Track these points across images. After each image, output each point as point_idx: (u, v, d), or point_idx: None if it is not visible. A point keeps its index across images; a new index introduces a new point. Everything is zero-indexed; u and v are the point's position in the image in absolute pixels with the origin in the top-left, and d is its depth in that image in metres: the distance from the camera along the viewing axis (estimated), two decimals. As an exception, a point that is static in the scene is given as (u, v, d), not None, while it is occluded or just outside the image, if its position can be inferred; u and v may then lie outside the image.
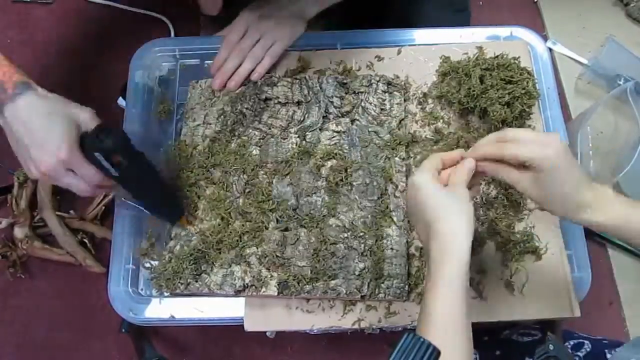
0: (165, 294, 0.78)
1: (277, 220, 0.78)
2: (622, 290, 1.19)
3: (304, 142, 0.83)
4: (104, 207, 1.22)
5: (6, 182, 1.25)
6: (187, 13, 1.32)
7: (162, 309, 0.78)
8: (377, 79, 0.86)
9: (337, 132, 0.84)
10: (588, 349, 0.80)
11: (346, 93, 0.86)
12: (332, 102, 0.85)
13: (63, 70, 1.42)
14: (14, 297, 1.21)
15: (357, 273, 0.74)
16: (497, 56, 0.84)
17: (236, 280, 0.75)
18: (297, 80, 0.87)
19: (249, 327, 0.76)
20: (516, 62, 0.83)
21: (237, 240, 0.77)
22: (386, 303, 0.76)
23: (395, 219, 0.78)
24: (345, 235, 0.77)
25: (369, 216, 0.78)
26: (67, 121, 0.62)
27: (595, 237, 1.22)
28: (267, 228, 0.78)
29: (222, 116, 0.86)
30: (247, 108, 0.86)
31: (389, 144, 0.82)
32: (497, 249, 0.78)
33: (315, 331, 0.76)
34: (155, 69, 0.93)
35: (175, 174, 0.81)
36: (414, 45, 0.92)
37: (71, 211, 1.22)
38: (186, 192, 0.81)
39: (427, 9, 1.03)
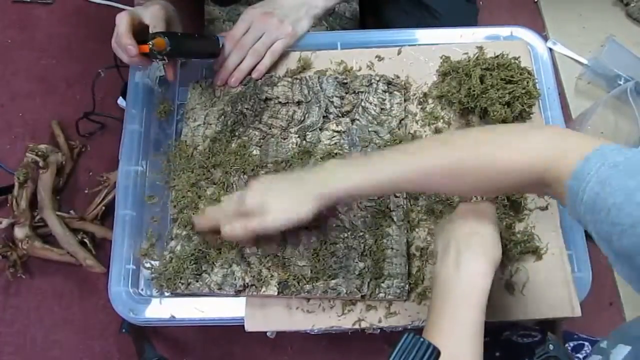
0: (166, 293, 0.78)
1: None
2: (622, 290, 1.19)
3: (304, 142, 0.83)
4: (104, 207, 1.22)
5: (6, 182, 1.25)
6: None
7: (163, 309, 0.78)
8: (378, 78, 0.86)
9: (337, 131, 0.84)
10: (588, 351, 0.80)
11: (346, 93, 0.86)
12: (332, 102, 0.85)
13: (63, 70, 1.42)
14: (14, 297, 1.21)
15: (357, 273, 0.74)
16: (497, 56, 0.84)
17: (236, 280, 0.75)
18: (297, 80, 0.87)
19: (249, 327, 0.76)
20: (516, 61, 0.83)
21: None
22: (386, 303, 0.76)
23: (395, 218, 0.78)
24: (345, 234, 0.77)
25: (369, 216, 0.78)
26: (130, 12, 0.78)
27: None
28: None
29: (222, 116, 0.86)
30: (247, 108, 0.86)
31: (389, 143, 0.82)
32: (497, 249, 0.78)
33: (315, 331, 0.76)
34: (155, 69, 0.93)
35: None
36: (414, 45, 0.92)
37: (71, 211, 1.22)
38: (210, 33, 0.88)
39: None
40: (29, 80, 1.41)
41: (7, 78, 1.41)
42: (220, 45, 0.87)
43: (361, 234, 0.76)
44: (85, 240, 1.19)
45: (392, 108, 0.85)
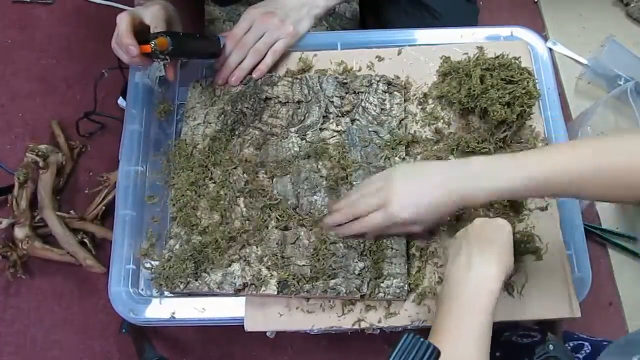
0: (166, 293, 0.78)
1: (277, 219, 0.78)
2: (622, 291, 1.19)
3: (304, 141, 0.83)
4: (104, 207, 1.22)
5: (6, 182, 1.25)
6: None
7: (163, 309, 0.78)
8: (378, 79, 0.86)
9: (337, 131, 0.84)
10: (588, 351, 0.80)
11: (346, 93, 0.86)
12: (332, 102, 0.86)
13: (63, 70, 1.42)
14: (14, 297, 1.21)
15: (356, 272, 0.74)
16: (497, 56, 0.84)
17: (236, 279, 0.75)
18: (298, 80, 0.87)
19: (249, 327, 0.76)
20: (517, 62, 0.83)
21: (237, 239, 0.77)
22: (386, 303, 0.76)
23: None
24: (345, 234, 0.77)
25: (369, 216, 0.78)
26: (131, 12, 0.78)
27: (596, 238, 1.23)
28: (267, 227, 0.78)
29: (222, 115, 0.86)
30: (247, 107, 0.86)
31: (388, 143, 0.82)
32: (497, 249, 0.78)
33: (315, 331, 0.76)
34: (156, 69, 0.93)
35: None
36: (415, 45, 0.92)
37: (71, 211, 1.22)
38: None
39: None
40: (29, 80, 1.41)
41: (7, 78, 1.41)
42: (222, 46, 0.87)
43: (361, 233, 0.77)
44: (85, 240, 1.19)
45: (392, 108, 0.85)
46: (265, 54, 0.88)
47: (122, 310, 0.78)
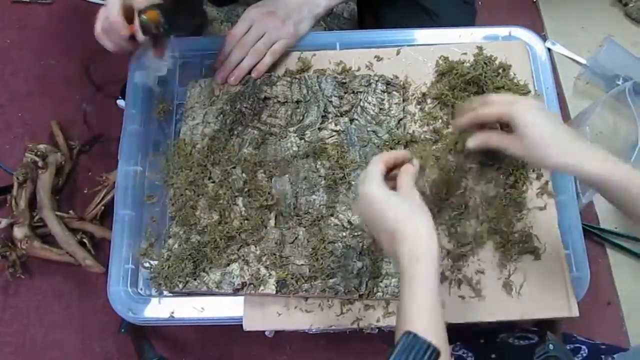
0: (165, 292, 0.78)
1: (276, 218, 0.78)
2: (620, 290, 1.19)
3: (302, 141, 0.83)
4: (103, 207, 1.22)
5: (6, 182, 1.25)
6: (186, 13, 1.32)
7: (162, 308, 0.78)
8: (376, 78, 0.86)
9: (336, 131, 0.84)
10: (585, 354, 0.79)
11: (345, 93, 0.87)
12: (331, 102, 0.86)
13: (63, 70, 1.42)
14: (14, 297, 1.21)
15: (355, 272, 0.74)
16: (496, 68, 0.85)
17: (235, 279, 0.75)
18: (297, 80, 0.88)
19: (248, 326, 0.76)
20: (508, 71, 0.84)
21: (236, 239, 0.78)
22: (384, 302, 0.76)
23: (394, 218, 0.78)
24: (344, 234, 0.77)
25: (368, 216, 0.78)
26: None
27: (594, 237, 1.23)
28: (265, 227, 0.78)
29: (221, 115, 0.87)
30: (246, 107, 0.86)
31: (387, 143, 0.83)
32: (495, 249, 0.78)
33: (313, 331, 0.76)
34: (155, 70, 0.92)
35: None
36: (413, 45, 0.92)
37: (71, 211, 1.22)
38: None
39: None
40: (29, 81, 1.41)
41: (6, 78, 1.41)
42: (207, 16, 0.85)
43: (359, 233, 0.77)
44: (85, 240, 1.19)
45: (391, 108, 0.85)
46: (265, 54, 0.88)
47: (122, 310, 0.78)
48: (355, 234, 0.77)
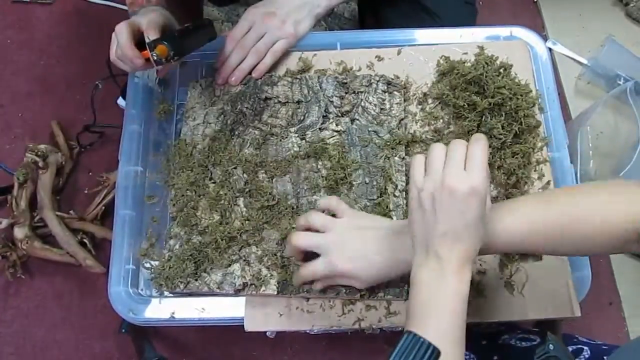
0: (166, 293, 0.78)
1: (277, 219, 0.78)
2: (622, 290, 1.19)
3: (303, 141, 0.83)
4: (103, 207, 1.22)
5: (6, 183, 1.25)
6: (187, 13, 1.32)
7: (162, 309, 0.78)
8: (377, 78, 0.86)
9: (337, 131, 0.84)
10: (587, 355, 0.79)
11: (346, 93, 0.86)
12: (332, 102, 0.86)
13: (63, 70, 1.42)
14: (14, 297, 1.21)
15: (357, 273, 0.74)
16: (497, 68, 0.85)
17: (236, 279, 0.75)
18: (297, 80, 0.88)
19: (249, 327, 0.76)
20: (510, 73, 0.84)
21: (237, 239, 0.77)
22: (386, 303, 0.76)
23: (394, 218, 0.78)
24: (345, 234, 0.77)
25: (369, 216, 0.78)
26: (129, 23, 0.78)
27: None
28: (266, 227, 0.78)
29: (222, 115, 0.87)
30: (247, 107, 0.86)
31: (388, 143, 0.82)
32: (497, 249, 0.78)
33: (315, 331, 0.76)
34: (155, 70, 0.93)
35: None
36: (414, 45, 0.92)
37: (71, 211, 1.22)
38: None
39: None
40: (29, 81, 1.41)
41: (6, 78, 1.41)
42: (213, 26, 0.88)
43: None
44: (85, 240, 1.19)
45: (392, 108, 0.85)
46: (265, 55, 0.88)
47: (122, 310, 0.78)
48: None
